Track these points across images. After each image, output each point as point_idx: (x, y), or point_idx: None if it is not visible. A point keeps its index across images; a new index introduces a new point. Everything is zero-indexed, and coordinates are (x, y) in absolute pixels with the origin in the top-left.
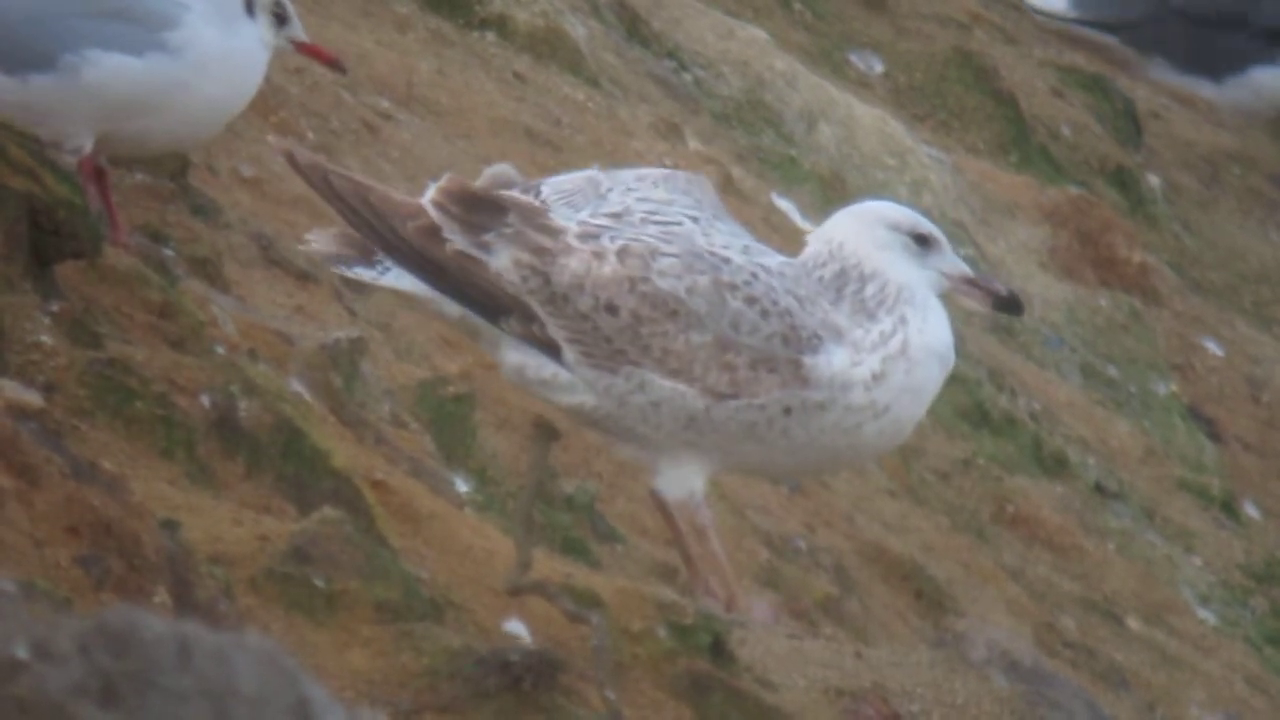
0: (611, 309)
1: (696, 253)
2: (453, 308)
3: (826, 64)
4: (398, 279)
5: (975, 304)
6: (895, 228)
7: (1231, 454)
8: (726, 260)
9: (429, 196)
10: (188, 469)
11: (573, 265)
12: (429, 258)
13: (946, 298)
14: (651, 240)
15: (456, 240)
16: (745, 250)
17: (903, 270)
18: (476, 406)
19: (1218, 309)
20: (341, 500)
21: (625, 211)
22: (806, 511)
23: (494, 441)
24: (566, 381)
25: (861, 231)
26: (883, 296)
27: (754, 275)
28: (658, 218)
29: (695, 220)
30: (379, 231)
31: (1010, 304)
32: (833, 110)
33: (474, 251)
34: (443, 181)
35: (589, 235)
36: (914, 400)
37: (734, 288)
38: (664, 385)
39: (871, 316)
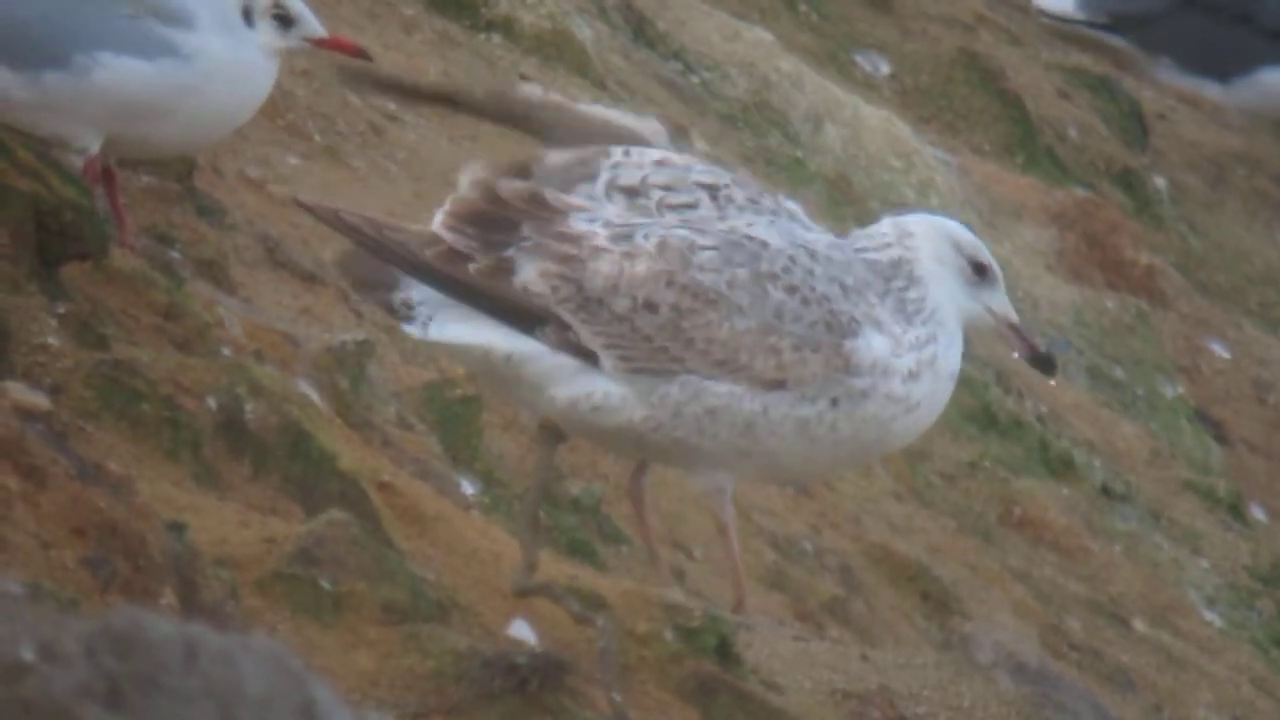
0: (650, 306)
1: (735, 242)
2: (499, 352)
3: (832, 65)
4: (441, 330)
5: (1012, 349)
6: (958, 248)
7: (1238, 456)
8: (765, 245)
9: (439, 222)
10: (194, 470)
11: (604, 269)
12: (454, 279)
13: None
14: (687, 233)
15: (478, 260)
16: (772, 223)
17: (946, 291)
18: (483, 408)
19: (1224, 311)
20: (348, 502)
21: (642, 187)
22: (812, 513)
23: (500, 443)
24: (619, 399)
25: (931, 237)
26: (920, 306)
27: (792, 260)
28: (672, 200)
29: (713, 194)
30: (402, 258)
31: (1044, 363)
32: (839, 112)
33: (498, 268)
34: (449, 205)
35: (621, 236)
36: (930, 410)
37: (774, 277)
38: (718, 390)
39: (909, 321)
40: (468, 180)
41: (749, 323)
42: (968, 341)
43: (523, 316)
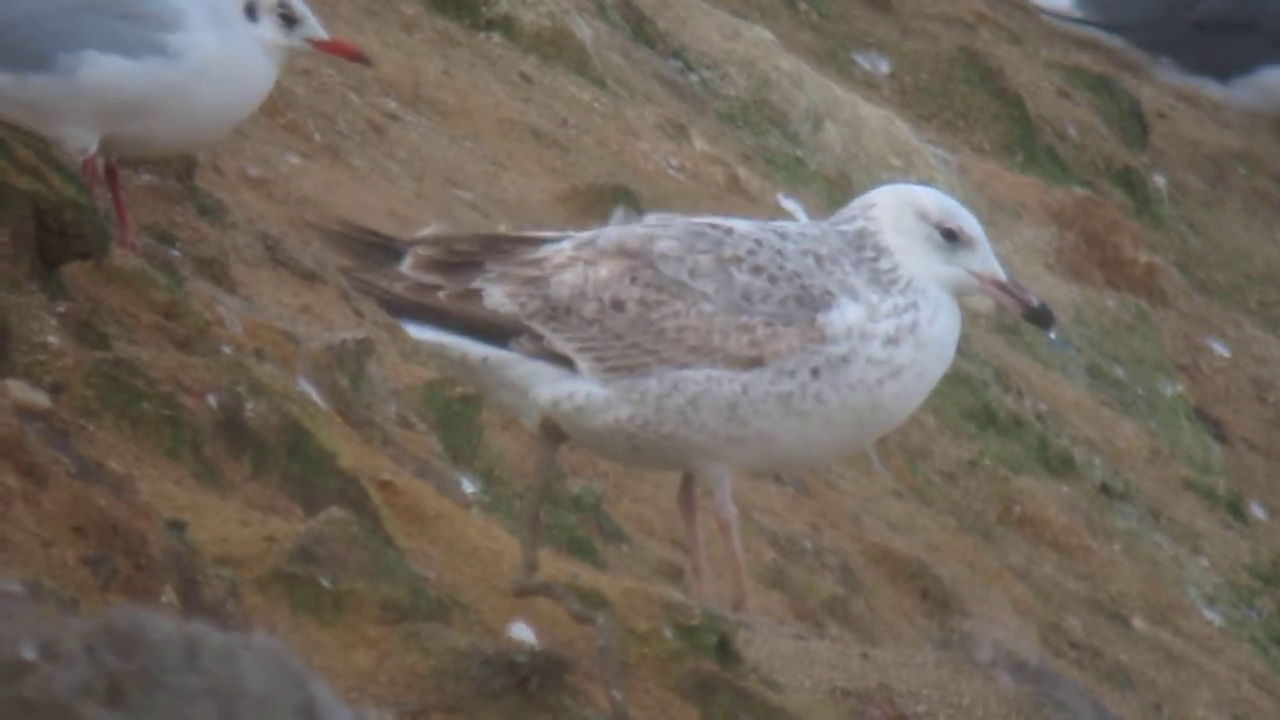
0: (617, 305)
1: (697, 231)
2: (476, 354)
3: (832, 64)
4: (419, 330)
5: (1005, 308)
6: (924, 216)
7: (1238, 455)
8: (730, 231)
9: (405, 267)
10: (194, 469)
11: (568, 279)
12: (426, 306)
13: (962, 298)
14: (646, 229)
15: (447, 287)
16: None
17: (917, 260)
18: (483, 407)
19: (1224, 309)
20: (348, 500)
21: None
22: (813, 512)
23: (500, 442)
24: (601, 400)
25: (892, 208)
26: (895, 276)
27: (758, 243)
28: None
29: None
30: (374, 295)
31: (1041, 316)
32: (838, 110)
33: (466, 293)
34: (410, 259)
35: (584, 243)
36: (918, 378)
37: (738, 261)
38: (696, 376)
39: (885, 290)
40: (423, 241)
41: (716, 307)
42: (965, 338)
43: (495, 333)
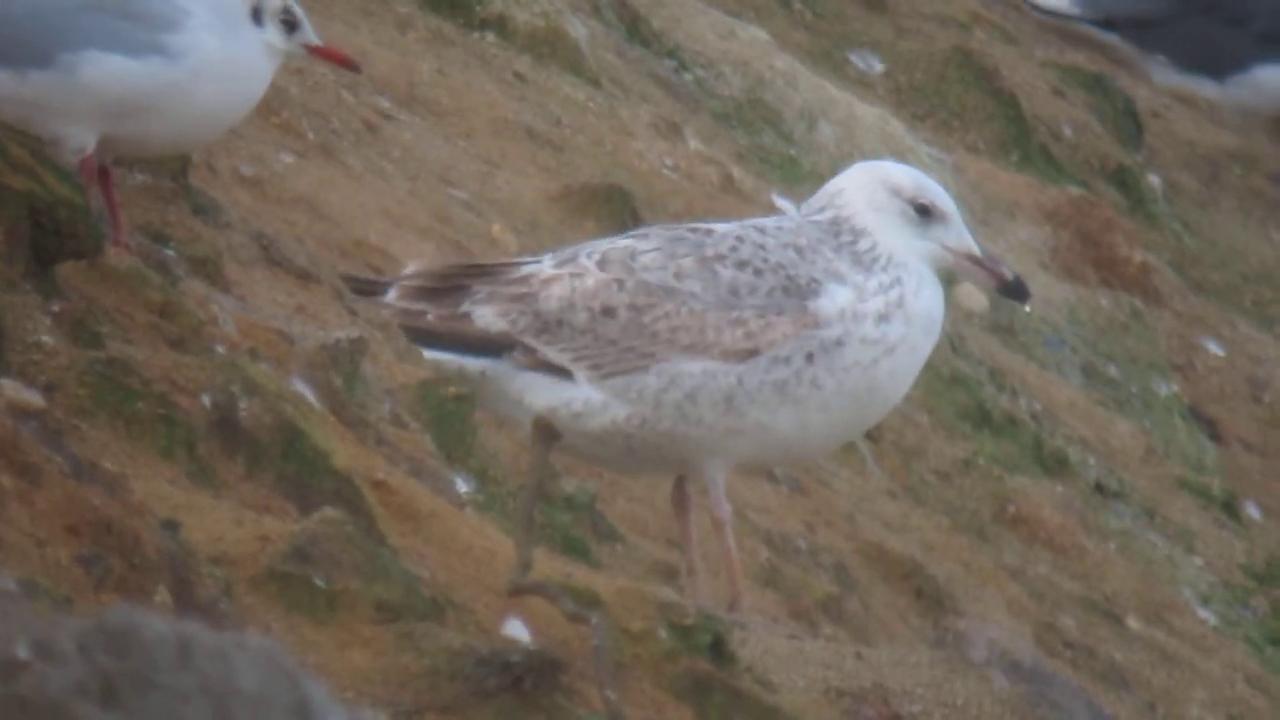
0: (608, 312)
1: (677, 237)
2: (473, 366)
3: (827, 64)
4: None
5: (980, 283)
6: (896, 192)
7: (1232, 454)
8: (710, 232)
9: (390, 297)
10: (188, 469)
11: (556, 291)
12: (415, 328)
13: (948, 296)
14: (628, 242)
15: (434, 312)
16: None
17: (894, 236)
18: (477, 406)
19: (1218, 309)
20: (342, 500)
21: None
22: (807, 511)
23: (494, 441)
24: (599, 403)
25: (862, 187)
26: (875, 254)
27: (740, 239)
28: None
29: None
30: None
31: (1015, 289)
32: (833, 110)
33: (455, 315)
34: (395, 291)
35: (565, 260)
36: (910, 354)
37: (721, 258)
38: (692, 369)
39: (868, 270)
40: (410, 271)
41: (705, 305)
42: (960, 338)
43: (488, 349)
